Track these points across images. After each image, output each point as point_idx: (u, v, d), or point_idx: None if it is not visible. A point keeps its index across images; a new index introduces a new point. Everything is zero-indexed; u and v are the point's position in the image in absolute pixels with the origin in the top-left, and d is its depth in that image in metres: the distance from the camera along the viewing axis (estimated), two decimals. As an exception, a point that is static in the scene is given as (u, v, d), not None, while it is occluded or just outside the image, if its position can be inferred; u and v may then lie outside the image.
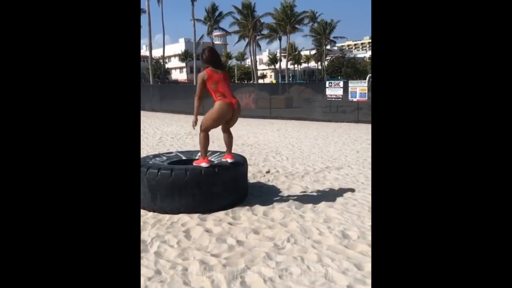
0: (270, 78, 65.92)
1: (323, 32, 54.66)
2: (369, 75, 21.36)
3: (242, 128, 11.98)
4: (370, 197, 4.39)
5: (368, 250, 2.90)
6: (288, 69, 54.94)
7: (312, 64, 68.14)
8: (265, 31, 51.29)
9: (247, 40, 48.91)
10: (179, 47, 61.45)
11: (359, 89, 13.38)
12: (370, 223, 3.47)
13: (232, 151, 4.16)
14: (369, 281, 2.41)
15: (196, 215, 3.62)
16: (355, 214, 3.73)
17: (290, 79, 54.14)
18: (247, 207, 3.90)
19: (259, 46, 52.21)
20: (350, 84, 13.82)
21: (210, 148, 7.90)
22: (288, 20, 46.79)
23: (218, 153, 4.59)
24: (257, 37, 50.22)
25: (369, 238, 3.13)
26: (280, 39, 51.17)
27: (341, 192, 4.61)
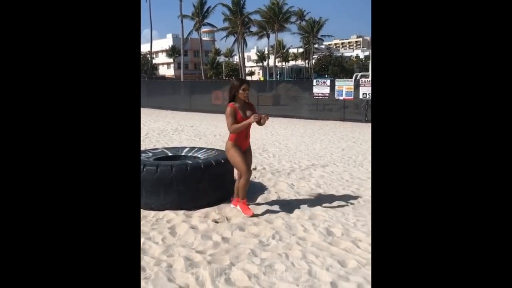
0: (258, 75, 65.95)
1: (310, 31, 54.87)
2: (356, 74, 21.60)
3: (229, 125, 11.96)
4: (354, 194, 4.45)
5: (352, 247, 2.94)
6: (276, 66, 55.00)
7: (300, 62, 68.42)
8: (253, 28, 51.25)
9: (235, 36, 48.76)
10: (167, 42, 60.89)
11: (345, 87, 13.50)
12: (353, 220, 3.52)
13: (219, 147, 4.16)
14: (352, 277, 2.45)
15: (181, 212, 3.61)
16: (340, 211, 3.77)
17: (278, 76, 54.27)
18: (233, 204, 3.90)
19: (246, 43, 52.14)
20: (336, 83, 13.93)
21: (197, 144, 7.89)
22: (276, 18, 46.78)
23: (204, 149, 4.58)
24: (246, 34, 50.12)
25: (353, 235, 3.18)
26: (268, 37, 51.17)
27: (326, 189, 4.66)
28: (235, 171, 3.84)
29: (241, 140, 3.57)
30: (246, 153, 3.60)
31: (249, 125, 3.50)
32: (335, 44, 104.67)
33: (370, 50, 18.22)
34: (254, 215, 3.53)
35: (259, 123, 3.47)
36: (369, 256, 2.78)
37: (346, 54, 74.66)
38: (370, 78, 14.95)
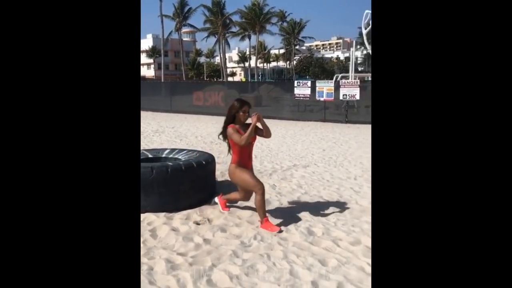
0: (239, 76, 65.94)
1: (291, 32, 55.24)
2: (336, 75, 21.84)
3: (212, 126, 11.91)
4: (335, 194, 4.51)
5: (332, 246, 2.98)
6: (257, 67, 55.11)
7: (281, 63, 68.78)
8: (235, 29, 51.20)
9: (216, 37, 48.61)
10: (147, 43, 60.09)
11: (326, 89, 13.65)
12: (334, 220, 3.56)
13: (200, 149, 4.14)
14: (332, 276, 2.48)
15: (162, 214, 3.58)
16: (320, 211, 3.82)
17: (260, 77, 54.38)
18: (215, 206, 3.89)
19: (228, 44, 52.08)
20: (317, 84, 14.07)
21: (178, 145, 7.82)
22: (257, 19, 46.88)
23: (185, 151, 4.55)
24: (227, 35, 50.04)
25: (333, 234, 3.22)
26: (249, 38, 51.23)
27: (307, 189, 4.70)
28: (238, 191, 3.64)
29: (245, 160, 3.41)
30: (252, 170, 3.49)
31: (252, 142, 3.37)
32: (316, 45, 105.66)
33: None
34: (280, 230, 3.27)
35: (263, 134, 3.37)
36: (349, 254, 2.83)
37: (326, 56, 75.53)
38: (350, 79, 15.17)
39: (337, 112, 14.25)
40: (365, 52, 51.23)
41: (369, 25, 17.01)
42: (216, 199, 3.85)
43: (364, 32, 17.18)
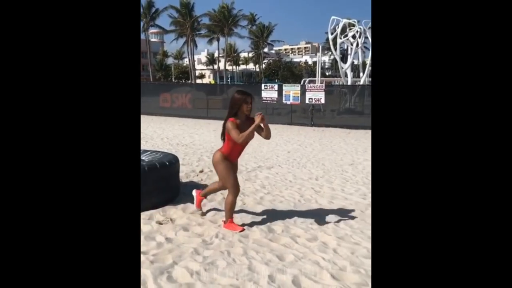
0: (208, 79, 65.64)
1: (260, 35, 55.71)
2: (304, 79, 22.31)
3: (179, 128, 11.87)
4: (296, 194, 4.67)
5: (290, 242, 3.12)
6: (226, 70, 55.13)
7: (251, 66, 69.13)
8: (203, 31, 50.98)
9: (184, 38, 48.21)
10: (113, 42, 58.48)
11: (293, 92, 13.93)
12: (293, 218, 3.71)
13: (166, 150, 4.16)
14: (289, 270, 2.61)
15: (125, 215, 3.58)
16: (281, 210, 3.96)
17: (229, 80, 54.41)
18: (178, 206, 3.95)
19: (196, 46, 51.80)
20: (284, 88, 14.33)
21: (143, 147, 7.75)
22: (226, 22, 46.95)
23: (149, 152, 4.57)
24: (196, 37, 49.75)
25: (292, 231, 3.36)
26: (218, 40, 51.18)
27: (270, 189, 4.84)
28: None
29: (234, 155, 3.38)
30: (233, 166, 3.42)
31: (250, 138, 3.23)
32: (285, 49, 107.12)
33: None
34: (242, 230, 3.34)
35: (262, 134, 3.29)
36: (306, 250, 2.98)
37: (295, 60, 76.68)
38: (317, 84, 15.56)
39: (304, 115, 14.57)
40: (332, 57, 52.46)
41: (335, 30, 17.56)
42: (194, 193, 3.82)
43: (331, 37, 17.72)
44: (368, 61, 17.69)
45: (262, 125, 3.23)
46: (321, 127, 13.12)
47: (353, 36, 17.23)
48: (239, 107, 3.24)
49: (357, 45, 17.24)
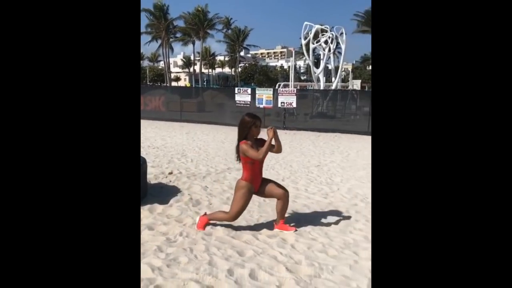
0: (184, 82, 65.23)
1: (236, 39, 55.94)
2: (279, 83, 22.62)
3: (151, 131, 11.83)
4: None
5: (252, 239, 3.27)
6: (202, 73, 54.98)
7: (227, 69, 69.23)
8: (179, 34, 50.73)
9: (160, 41, 47.81)
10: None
11: (265, 96, 14.17)
12: (257, 217, 3.87)
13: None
14: (247, 264, 2.76)
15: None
16: (246, 209, 4.10)
17: (205, 83, 54.29)
18: (145, 206, 4.02)
19: (171, 48, 51.43)
20: (257, 92, 14.54)
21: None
22: (201, 25, 46.91)
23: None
24: (171, 40, 49.42)
25: (255, 229, 3.51)
26: (193, 43, 51.03)
27: (237, 190, 4.98)
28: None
29: (256, 177, 3.40)
30: (262, 184, 3.45)
31: (267, 153, 3.30)
32: (261, 53, 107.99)
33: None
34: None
35: (274, 149, 3.36)
36: (265, 246, 3.13)
37: (271, 64, 77.32)
38: (290, 88, 15.85)
39: (277, 119, 14.81)
40: (307, 62, 53.38)
41: (308, 35, 17.96)
42: (197, 218, 3.58)
43: (304, 43, 18.11)
44: (340, 66, 18.17)
45: (273, 139, 3.31)
46: (293, 130, 13.39)
47: (326, 42, 17.68)
48: (249, 130, 3.32)
49: (329, 50, 17.69)
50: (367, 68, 61.80)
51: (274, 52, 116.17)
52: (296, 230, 3.51)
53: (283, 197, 3.45)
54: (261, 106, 14.29)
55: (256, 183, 3.41)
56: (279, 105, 13.90)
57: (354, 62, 72.11)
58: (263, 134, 3.35)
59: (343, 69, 20.58)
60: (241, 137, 3.34)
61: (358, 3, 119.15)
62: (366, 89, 26.34)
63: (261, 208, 4.20)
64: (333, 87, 17.76)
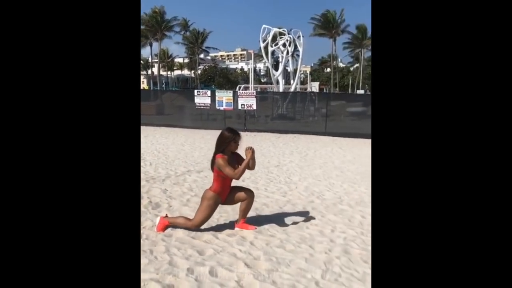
0: (142, 84, 63.73)
1: (195, 41, 55.53)
2: (239, 85, 22.78)
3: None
4: (223, 195, 4.90)
5: (212, 238, 3.33)
6: (161, 75, 54.02)
7: (186, 72, 68.47)
8: (136, 35, 49.50)
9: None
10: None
11: (225, 98, 14.23)
12: (217, 217, 3.94)
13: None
14: (207, 262, 2.82)
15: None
16: (206, 210, 4.16)
17: (163, 86, 53.37)
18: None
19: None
20: (217, 94, 14.57)
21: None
22: (158, 27, 46.14)
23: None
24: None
25: (215, 229, 3.58)
26: (151, 45, 50.06)
27: (197, 192, 5.01)
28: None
29: (226, 190, 3.48)
30: (229, 194, 3.52)
31: (241, 176, 3.35)
32: (221, 56, 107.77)
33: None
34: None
35: (250, 167, 3.39)
36: (225, 244, 3.21)
37: (231, 66, 77.48)
38: (249, 90, 16.02)
39: (238, 121, 14.90)
40: (266, 64, 54.05)
41: (267, 38, 18.25)
42: (157, 219, 3.58)
43: (262, 45, 18.37)
44: (298, 68, 18.61)
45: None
46: (254, 132, 13.55)
47: (284, 45, 18.04)
48: (227, 145, 3.37)
49: (288, 53, 18.07)
50: (325, 71, 63.51)
51: (234, 55, 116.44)
52: (256, 229, 3.61)
53: (249, 198, 3.57)
54: (221, 108, 14.34)
55: (224, 195, 3.51)
56: (239, 107, 14.01)
57: (312, 65, 73.99)
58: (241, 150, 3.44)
59: (301, 72, 21.05)
60: (218, 150, 3.38)
61: (315, 6, 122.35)
62: (324, 91, 27.06)
63: (221, 208, 4.26)
64: (292, 89, 18.15)
